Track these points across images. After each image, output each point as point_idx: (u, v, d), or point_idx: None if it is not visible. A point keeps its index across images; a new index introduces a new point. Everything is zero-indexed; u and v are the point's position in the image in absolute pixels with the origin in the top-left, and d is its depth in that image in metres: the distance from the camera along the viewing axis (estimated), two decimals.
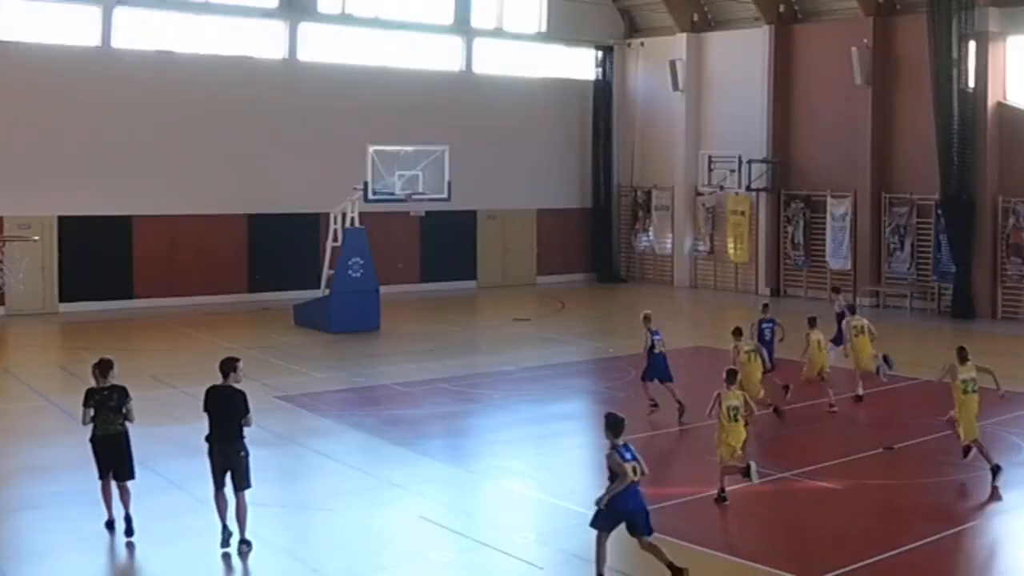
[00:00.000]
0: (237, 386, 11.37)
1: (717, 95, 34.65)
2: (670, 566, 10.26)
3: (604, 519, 10.34)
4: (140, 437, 13.69)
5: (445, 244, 33.78)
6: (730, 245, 34.04)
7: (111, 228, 28.68)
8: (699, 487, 13.49)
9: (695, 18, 34.98)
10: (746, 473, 12.68)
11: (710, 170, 33.27)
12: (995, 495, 13.31)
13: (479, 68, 34.78)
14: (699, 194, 34.74)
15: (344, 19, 32.19)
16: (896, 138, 30.08)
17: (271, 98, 30.55)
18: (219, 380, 11.39)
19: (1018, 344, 24.83)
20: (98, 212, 28.37)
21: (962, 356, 14.74)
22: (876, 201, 30.26)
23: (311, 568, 10.93)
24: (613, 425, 10.38)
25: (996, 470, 13.81)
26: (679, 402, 17.10)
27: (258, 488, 13.54)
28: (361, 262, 25.60)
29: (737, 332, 17.09)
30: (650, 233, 36.53)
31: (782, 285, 32.95)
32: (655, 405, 17.47)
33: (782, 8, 32.56)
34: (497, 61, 35.20)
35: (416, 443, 15.65)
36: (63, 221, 28.03)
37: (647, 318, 17.65)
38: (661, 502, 12.92)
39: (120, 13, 28.68)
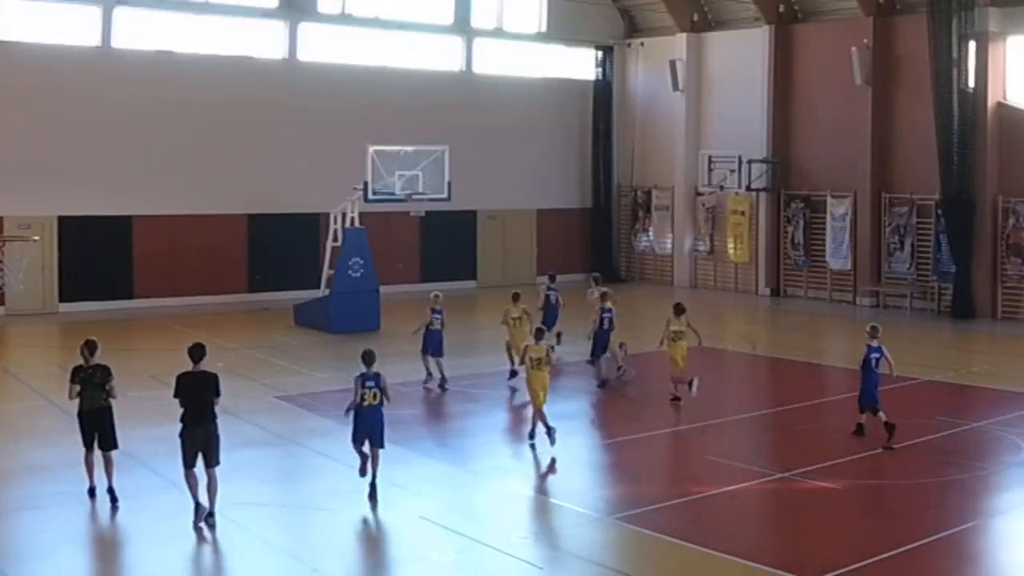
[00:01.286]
0: (209, 370, 12.21)
1: (717, 95, 34.65)
2: (372, 484, 12.89)
3: (354, 434, 13.03)
4: (140, 438, 13.76)
5: (445, 244, 33.78)
6: (730, 245, 34.03)
7: (111, 228, 28.67)
8: (699, 487, 13.51)
9: (695, 18, 34.98)
10: (546, 427, 15.19)
11: (710, 170, 33.26)
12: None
13: (479, 68, 34.78)
14: (699, 194, 34.73)
15: (344, 19, 32.20)
16: (896, 138, 30.07)
17: (271, 98, 30.55)
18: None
19: (1018, 344, 24.84)
20: (98, 212, 28.36)
21: (677, 310, 18.28)
22: (876, 201, 30.24)
23: (311, 568, 10.92)
24: (363, 358, 13.15)
25: (677, 399, 17.42)
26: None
27: (258, 488, 13.62)
28: (361, 262, 25.59)
29: (515, 297, 19.95)
30: (650, 233, 36.53)
31: (782, 285, 32.95)
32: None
33: (782, 8, 32.55)
34: (497, 61, 35.20)
35: (416, 443, 15.65)
36: (63, 221, 28.03)
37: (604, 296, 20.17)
38: (661, 502, 12.95)
39: (120, 13, 28.67)
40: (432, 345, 19.36)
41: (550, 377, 15.78)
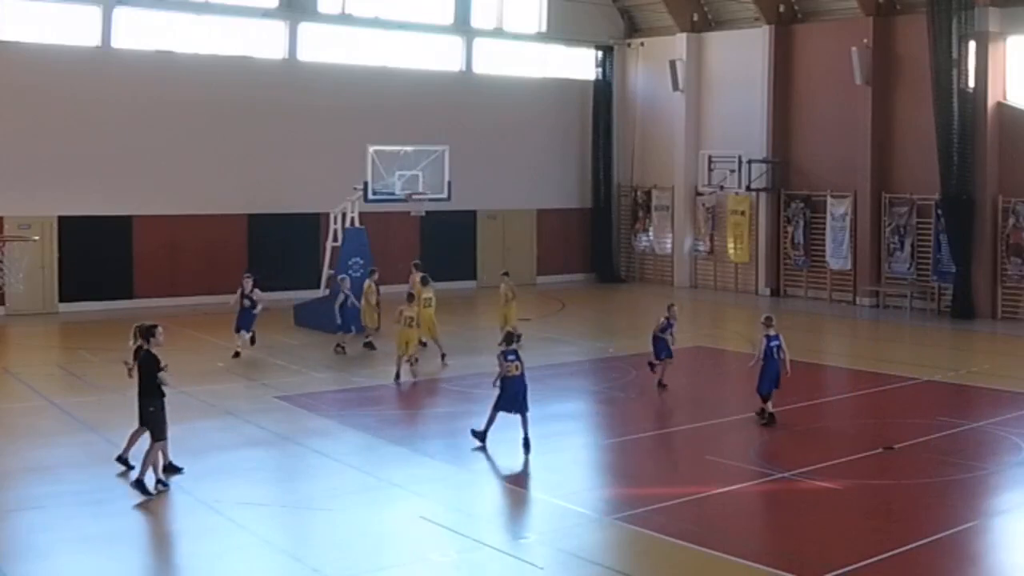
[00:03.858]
0: (153, 351, 13.25)
1: (717, 95, 34.65)
2: (525, 440, 15.12)
3: (504, 401, 15.17)
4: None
5: (445, 244, 33.76)
6: (730, 245, 34.04)
7: (111, 228, 28.66)
8: (699, 487, 13.50)
9: (695, 18, 34.98)
10: (405, 368, 19.22)
11: (710, 170, 33.26)
12: None
13: (479, 68, 34.78)
14: (699, 194, 34.73)
15: (344, 19, 32.19)
16: (896, 138, 30.07)
17: (271, 98, 30.54)
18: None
19: (1018, 344, 24.84)
20: (98, 212, 28.35)
21: (424, 281, 21.68)
22: (876, 201, 30.24)
23: (311, 568, 10.92)
24: (506, 339, 15.43)
25: (414, 361, 20.25)
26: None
27: (258, 488, 13.63)
28: (361, 262, 25.57)
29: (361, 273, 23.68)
30: (650, 233, 36.53)
31: (782, 285, 32.94)
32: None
33: (782, 8, 32.55)
34: (497, 61, 35.20)
35: (416, 443, 15.66)
36: (63, 221, 28.02)
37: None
38: (661, 502, 12.95)
39: (120, 13, 28.66)
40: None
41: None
